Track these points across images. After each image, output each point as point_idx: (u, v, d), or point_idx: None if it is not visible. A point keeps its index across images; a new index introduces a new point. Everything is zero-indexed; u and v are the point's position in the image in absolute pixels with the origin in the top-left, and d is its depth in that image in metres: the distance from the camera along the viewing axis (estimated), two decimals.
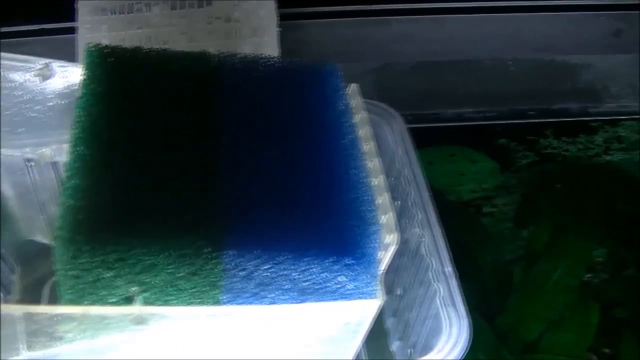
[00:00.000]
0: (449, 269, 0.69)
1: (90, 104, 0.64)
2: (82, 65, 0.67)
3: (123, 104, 0.64)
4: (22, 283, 0.89)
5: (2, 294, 0.86)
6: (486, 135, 1.17)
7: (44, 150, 0.81)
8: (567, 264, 1.04)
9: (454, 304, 0.67)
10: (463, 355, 0.64)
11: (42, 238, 0.91)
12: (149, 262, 0.55)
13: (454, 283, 0.68)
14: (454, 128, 1.17)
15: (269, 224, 0.58)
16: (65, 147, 0.76)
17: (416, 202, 0.74)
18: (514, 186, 1.17)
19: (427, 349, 0.68)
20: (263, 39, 0.87)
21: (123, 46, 0.69)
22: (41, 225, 0.89)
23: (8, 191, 0.86)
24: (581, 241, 1.06)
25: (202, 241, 0.56)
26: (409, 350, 0.76)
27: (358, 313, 0.61)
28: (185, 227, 0.57)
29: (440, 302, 0.68)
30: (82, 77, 0.66)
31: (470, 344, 0.65)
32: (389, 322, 0.82)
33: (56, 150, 0.81)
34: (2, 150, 0.79)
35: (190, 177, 0.60)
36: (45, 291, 0.88)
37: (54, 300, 0.83)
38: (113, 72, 0.66)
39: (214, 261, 0.56)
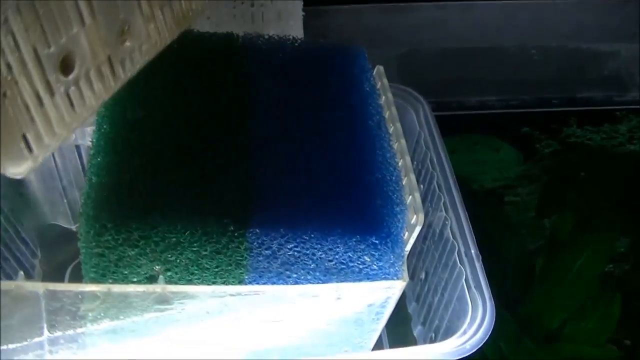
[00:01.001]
0: (474, 251, 0.68)
1: None
2: None
3: (148, 83, 0.63)
4: (43, 267, 0.89)
5: (23, 278, 0.85)
6: (509, 124, 1.16)
7: None
8: (590, 254, 1.03)
9: (479, 286, 0.66)
10: (486, 337, 0.63)
11: (64, 222, 0.91)
12: (173, 240, 0.55)
13: (479, 265, 0.68)
14: (478, 116, 1.16)
15: (294, 203, 0.57)
16: (89, 130, 0.76)
17: (440, 185, 0.74)
18: (536, 175, 1.16)
19: (450, 332, 0.68)
20: (288, 24, 0.86)
21: None
22: (63, 210, 0.89)
23: (30, 175, 0.85)
24: (604, 231, 1.05)
25: (226, 219, 0.55)
26: (431, 335, 0.76)
27: (382, 294, 0.61)
28: (209, 205, 0.56)
29: (465, 284, 0.67)
30: None
31: (493, 326, 0.64)
32: (411, 307, 0.82)
33: (79, 133, 0.81)
34: None
35: (215, 155, 0.60)
36: (66, 276, 0.88)
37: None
38: None
39: (238, 239, 0.55)
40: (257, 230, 0.55)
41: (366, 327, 0.64)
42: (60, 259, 0.89)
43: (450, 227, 0.71)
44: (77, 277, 0.83)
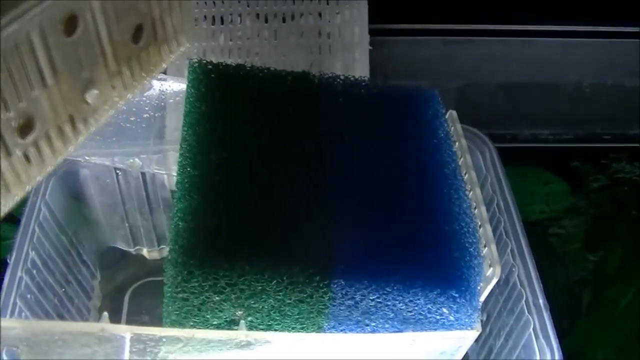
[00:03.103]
0: (542, 300, 0.69)
1: (196, 123, 0.64)
2: (186, 81, 0.67)
3: (229, 124, 0.64)
4: (102, 289, 0.90)
5: (83, 299, 0.86)
6: (560, 157, 1.16)
7: (134, 160, 0.81)
8: (637, 290, 1.03)
9: (547, 337, 0.66)
10: None
11: (124, 246, 0.92)
12: (259, 288, 0.55)
13: (547, 315, 0.68)
14: (530, 149, 1.16)
15: (377, 253, 0.58)
16: (155, 157, 0.77)
17: (508, 231, 0.74)
18: (582, 208, 1.15)
19: None
20: (354, 55, 0.87)
21: (225, 63, 0.69)
22: (124, 233, 0.90)
23: (94, 198, 0.87)
24: None
25: (312, 269, 0.56)
26: None
27: (456, 343, 0.61)
28: (295, 254, 0.57)
29: (533, 333, 0.67)
30: (186, 94, 0.66)
31: None
32: (470, 347, 0.82)
33: (145, 160, 0.81)
34: (93, 158, 0.80)
35: (296, 200, 0.60)
36: (125, 299, 0.88)
37: (133, 308, 0.84)
38: (217, 90, 0.67)
39: (323, 289, 0.56)
40: (342, 282, 0.56)
41: None
42: (119, 281, 0.91)
43: (518, 275, 0.71)
44: (136, 300, 0.84)
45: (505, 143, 1.01)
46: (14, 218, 0.80)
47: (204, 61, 0.68)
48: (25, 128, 0.50)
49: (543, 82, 1.09)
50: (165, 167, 0.82)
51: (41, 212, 0.77)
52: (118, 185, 0.86)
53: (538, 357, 0.66)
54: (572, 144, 1.16)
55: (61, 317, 0.78)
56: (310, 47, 0.87)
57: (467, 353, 0.77)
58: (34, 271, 0.73)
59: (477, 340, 0.78)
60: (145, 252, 0.95)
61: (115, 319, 0.88)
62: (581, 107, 1.12)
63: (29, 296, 0.72)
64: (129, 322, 0.88)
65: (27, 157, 0.51)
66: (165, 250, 0.93)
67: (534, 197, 1.15)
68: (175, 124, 0.78)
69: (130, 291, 0.91)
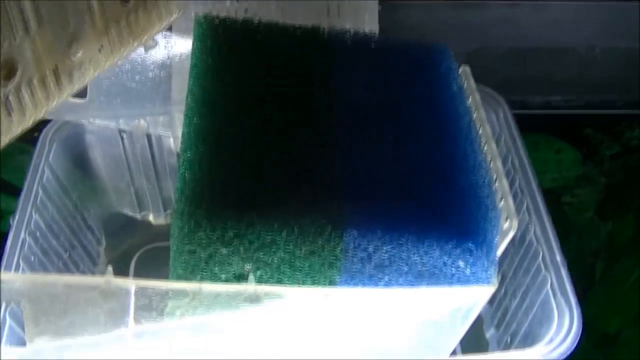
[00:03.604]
0: (559, 257, 0.67)
1: (202, 76, 0.62)
2: (192, 36, 0.65)
3: (236, 77, 0.63)
4: (107, 256, 0.88)
5: (88, 265, 0.85)
6: (572, 125, 1.14)
7: (139, 121, 0.79)
8: None
9: (565, 293, 0.65)
10: (574, 346, 0.62)
11: (130, 211, 0.90)
12: (268, 239, 0.54)
13: (564, 272, 0.67)
14: (541, 116, 1.14)
15: (390, 204, 0.56)
16: (161, 119, 0.75)
17: (523, 188, 0.72)
18: (595, 177, 1.14)
19: (530, 338, 0.67)
20: (364, 18, 0.85)
21: (233, 17, 0.67)
22: (130, 199, 0.89)
23: (99, 161, 0.85)
24: None
25: (324, 219, 0.54)
26: (507, 338, 0.75)
27: (471, 299, 0.59)
28: (306, 205, 0.55)
29: (550, 291, 0.65)
30: (193, 48, 0.64)
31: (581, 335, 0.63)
32: (484, 309, 0.80)
33: (151, 122, 0.80)
34: (97, 120, 0.78)
35: (307, 152, 0.59)
36: (132, 265, 0.87)
37: (140, 275, 0.82)
38: (224, 44, 0.65)
39: (334, 240, 0.54)
40: (355, 232, 0.54)
41: (448, 331, 0.63)
42: (125, 247, 0.89)
43: (534, 232, 0.69)
44: (142, 267, 0.83)
45: (516, 109, 0.99)
46: (14, 189, 0.79)
47: (210, 16, 0.66)
48: (8, 72, 0.48)
49: (554, 47, 1.07)
50: (172, 129, 0.80)
51: (44, 174, 0.75)
52: (123, 148, 0.84)
53: (556, 315, 0.64)
54: (584, 110, 1.14)
55: None
56: (318, 9, 0.85)
57: (480, 315, 0.76)
58: (38, 233, 0.72)
59: (491, 302, 0.77)
60: (151, 217, 0.93)
61: None
62: (594, 72, 1.10)
63: (32, 258, 0.70)
64: None
65: (8, 107, 0.49)
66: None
67: (546, 165, 1.14)
68: (181, 84, 0.76)
69: (136, 258, 0.89)
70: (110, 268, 0.55)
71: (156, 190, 0.89)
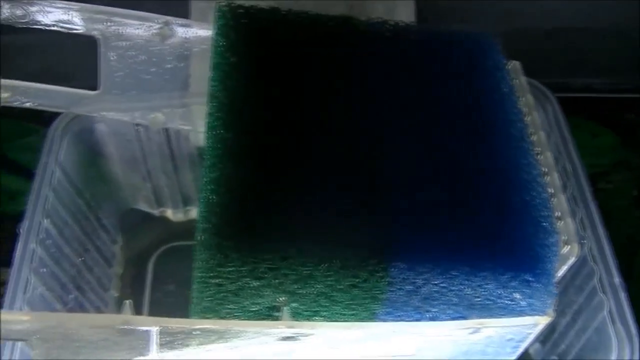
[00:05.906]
0: (618, 280, 0.61)
1: (226, 76, 0.56)
2: (213, 28, 0.59)
3: (266, 77, 0.56)
4: (124, 255, 0.83)
5: (103, 267, 0.80)
6: (614, 108, 1.08)
7: (156, 115, 0.73)
8: None
9: (625, 322, 0.59)
10: None
11: (147, 207, 0.85)
12: (306, 272, 0.48)
13: (624, 296, 0.61)
14: (582, 99, 1.08)
15: (439, 234, 0.50)
16: (179, 112, 0.70)
17: (576, 197, 0.66)
18: (635, 163, 1.08)
19: None
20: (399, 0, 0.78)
21: (258, 6, 0.61)
22: (146, 194, 0.84)
23: (113, 157, 0.79)
24: None
25: (367, 252, 0.48)
26: (554, 358, 0.69)
27: (526, 330, 0.54)
28: (346, 234, 0.49)
29: (608, 316, 0.60)
30: (214, 43, 0.58)
31: None
32: None
33: (169, 115, 0.74)
34: (110, 114, 0.72)
35: (348, 172, 0.53)
36: (149, 266, 0.82)
37: (159, 275, 0.77)
38: (250, 37, 0.58)
39: (379, 274, 0.49)
40: (402, 265, 0.48)
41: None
42: (142, 245, 0.85)
43: (589, 248, 0.63)
44: (161, 267, 0.78)
45: (556, 93, 0.93)
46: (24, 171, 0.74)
47: (234, 4, 0.60)
48: None
49: (596, 27, 1.00)
50: (191, 122, 0.75)
51: (55, 175, 0.70)
52: (139, 142, 0.78)
53: (614, 344, 0.59)
54: (627, 94, 1.08)
55: (80, 289, 0.72)
56: None
57: None
58: (49, 242, 0.66)
59: None
60: (170, 213, 0.88)
61: (138, 287, 0.82)
62: (637, 55, 1.03)
63: (43, 270, 0.65)
64: (153, 291, 0.83)
65: None
66: (192, 211, 0.87)
67: (584, 151, 1.07)
68: (200, 74, 0.69)
69: (155, 257, 0.85)
70: (127, 303, 0.49)
71: (175, 185, 0.84)
